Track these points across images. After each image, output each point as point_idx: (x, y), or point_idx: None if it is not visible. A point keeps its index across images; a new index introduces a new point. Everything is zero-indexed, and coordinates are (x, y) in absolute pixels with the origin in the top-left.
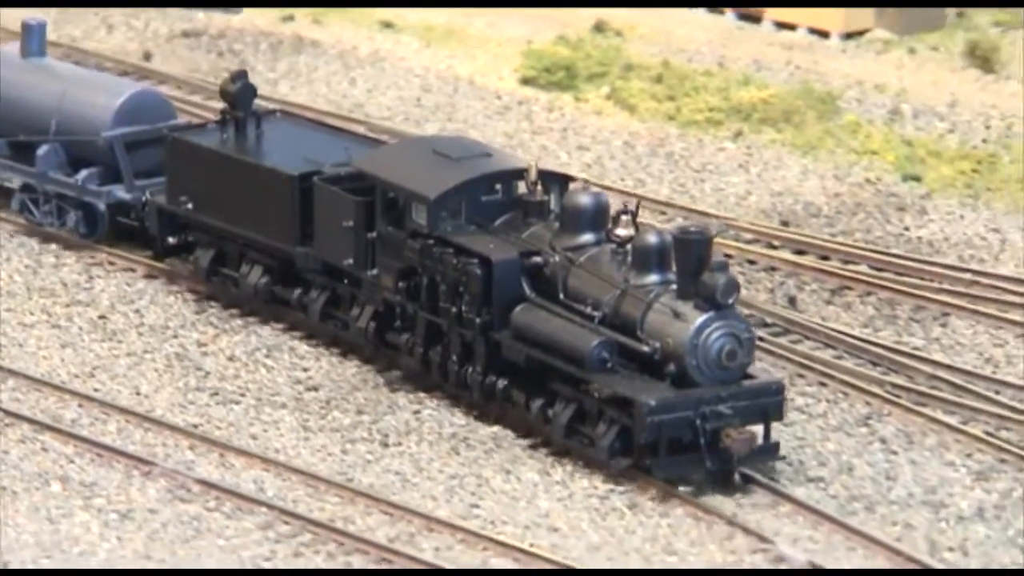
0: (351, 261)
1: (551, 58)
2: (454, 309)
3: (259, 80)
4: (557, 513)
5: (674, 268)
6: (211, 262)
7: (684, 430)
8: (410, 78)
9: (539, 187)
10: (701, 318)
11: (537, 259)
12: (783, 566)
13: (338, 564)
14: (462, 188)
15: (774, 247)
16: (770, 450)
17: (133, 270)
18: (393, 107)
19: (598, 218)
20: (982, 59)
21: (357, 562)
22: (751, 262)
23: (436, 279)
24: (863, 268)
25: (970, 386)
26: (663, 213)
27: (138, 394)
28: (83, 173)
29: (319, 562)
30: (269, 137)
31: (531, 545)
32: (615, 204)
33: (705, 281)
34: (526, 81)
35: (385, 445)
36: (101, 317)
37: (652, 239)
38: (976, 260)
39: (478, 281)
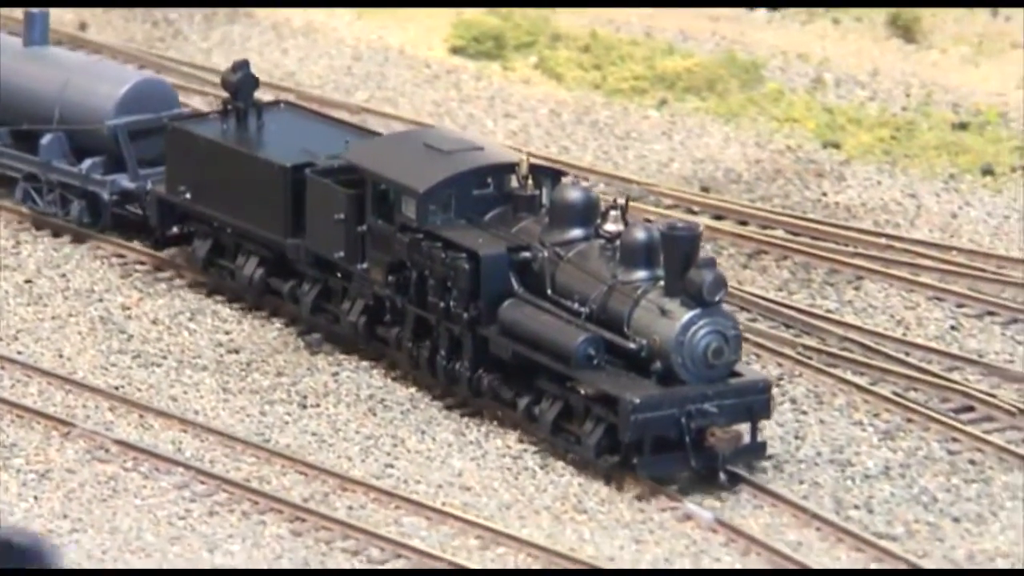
0: (342, 254)
1: (480, 28)
2: (442, 304)
3: (193, 50)
4: (470, 472)
5: (662, 264)
6: (208, 253)
7: (669, 428)
8: (342, 48)
9: (530, 181)
10: (687, 315)
11: (526, 254)
12: (692, 523)
13: (252, 523)
14: (452, 181)
15: (694, 212)
16: (757, 449)
17: (60, 235)
18: (324, 76)
19: (587, 213)
20: (904, 29)
21: (271, 520)
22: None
23: (425, 273)
24: (780, 233)
25: (880, 348)
26: (586, 180)
27: (61, 356)
28: (87, 162)
29: (234, 521)
30: (269, 128)
31: (443, 504)
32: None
33: (692, 278)
34: (455, 51)
35: (303, 407)
36: (27, 281)
37: (640, 235)
38: (892, 225)
39: (466, 276)
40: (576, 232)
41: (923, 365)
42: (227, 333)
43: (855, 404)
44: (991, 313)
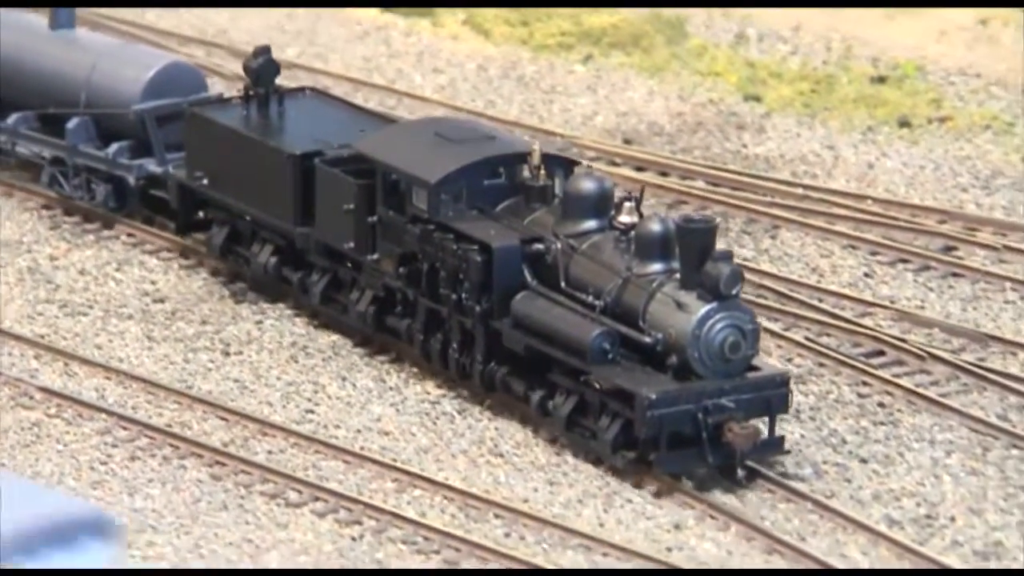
0: (352, 245)
1: None
2: (454, 296)
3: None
4: (389, 418)
5: (677, 257)
6: (226, 240)
7: (685, 424)
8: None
9: (542, 171)
10: (704, 309)
11: (539, 246)
12: (605, 466)
13: (172, 467)
14: (463, 172)
15: (616, 164)
16: (774, 444)
17: None
18: (255, 32)
19: (601, 204)
20: None
21: (191, 465)
22: None
23: (436, 265)
24: (700, 184)
25: (794, 294)
26: (510, 132)
27: None
28: (113, 147)
29: (155, 465)
30: (289, 115)
31: (361, 448)
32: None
33: (708, 271)
34: (386, 8)
35: (226, 354)
36: None
37: (655, 227)
38: (809, 176)
39: (478, 268)
40: (590, 223)
41: (836, 311)
42: (153, 283)
43: (768, 349)
44: (904, 260)
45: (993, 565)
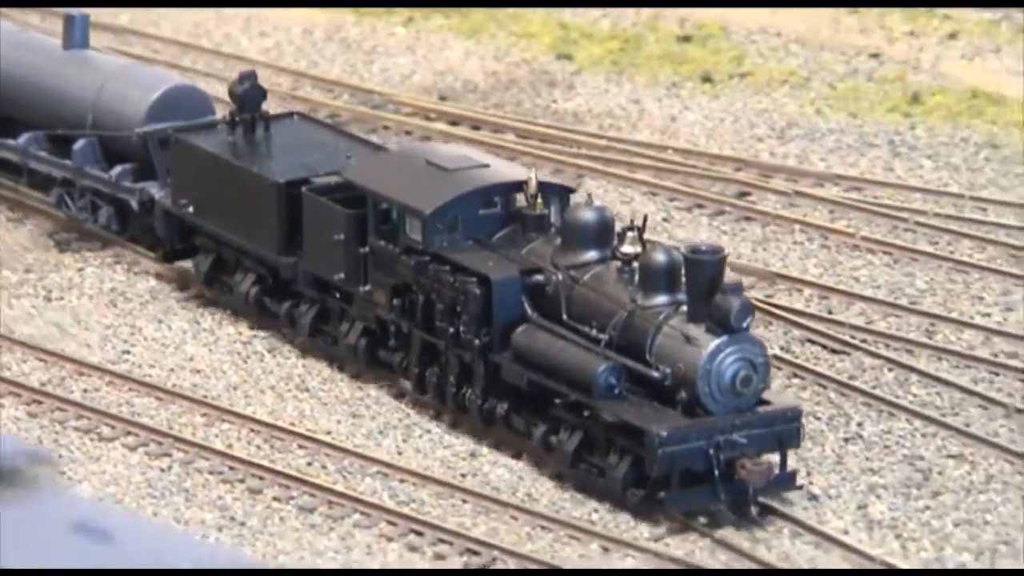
0: (342, 276)
1: None
2: (451, 329)
3: None
4: (202, 357)
5: (683, 288)
6: (211, 267)
7: (697, 461)
8: None
9: (539, 200)
10: (714, 343)
11: (539, 277)
12: (407, 399)
13: None
14: (458, 202)
15: (430, 119)
16: (787, 479)
17: None
18: None
19: (602, 234)
20: None
21: (8, 403)
22: (408, 132)
23: (432, 297)
24: (510, 137)
25: None
26: (330, 91)
27: None
28: (117, 169)
29: None
30: (275, 140)
31: (173, 385)
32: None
33: (718, 304)
34: None
35: (48, 299)
36: None
37: (661, 258)
38: (615, 128)
39: (477, 301)
40: (591, 254)
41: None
42: None
43: None
44: (700, 206)
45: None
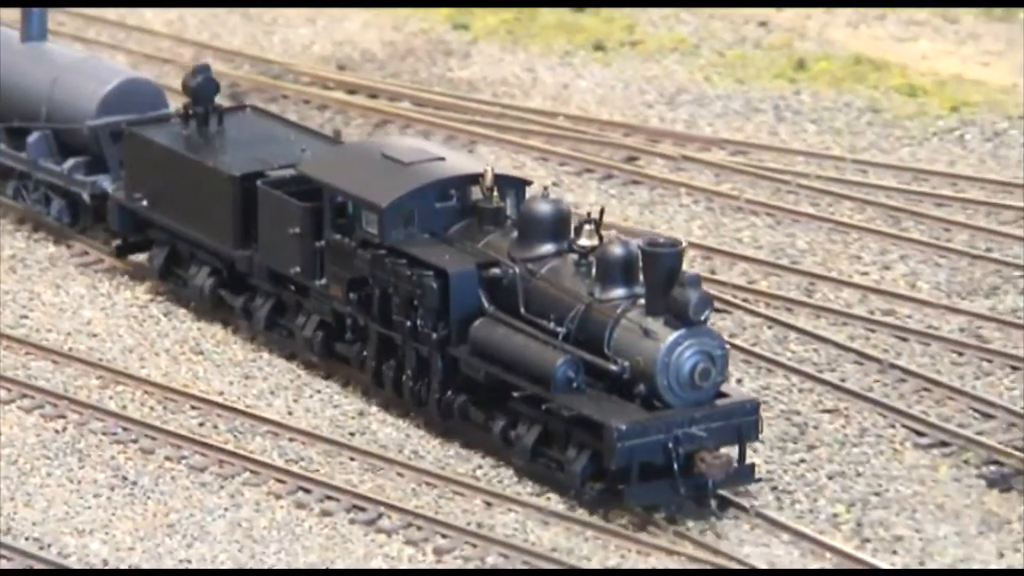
0: (298, 269)
1: None
2: (408, 323)
3: None
4: (99, 321)
5: (641, 281)
6: (165, 261)
7: (656, 454)
8: None
9: (495, 193)
10: (672, 336)
11: (496, 270)
12: (297, 361)
13: None
14: (415, 195)
15: (328, 88)
16: (745, 473)
17: None
18: None
19: (559, 227)
20: None
21: None
22: (306, 101)
23: (389, 291)
24: (406, 105)
25: None
26: (231, 61)
27: None
28: (69, 162)
29: None
30: (228, 134)
31: (70, 349)
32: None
33: (676, 297)
34: None
35: None
36: None
37: (618, 251)
38: (508, 96)
39: (434, 294)
40: (548, 247)
41: None
42: None
43: None
44: (589, 170)
45: None
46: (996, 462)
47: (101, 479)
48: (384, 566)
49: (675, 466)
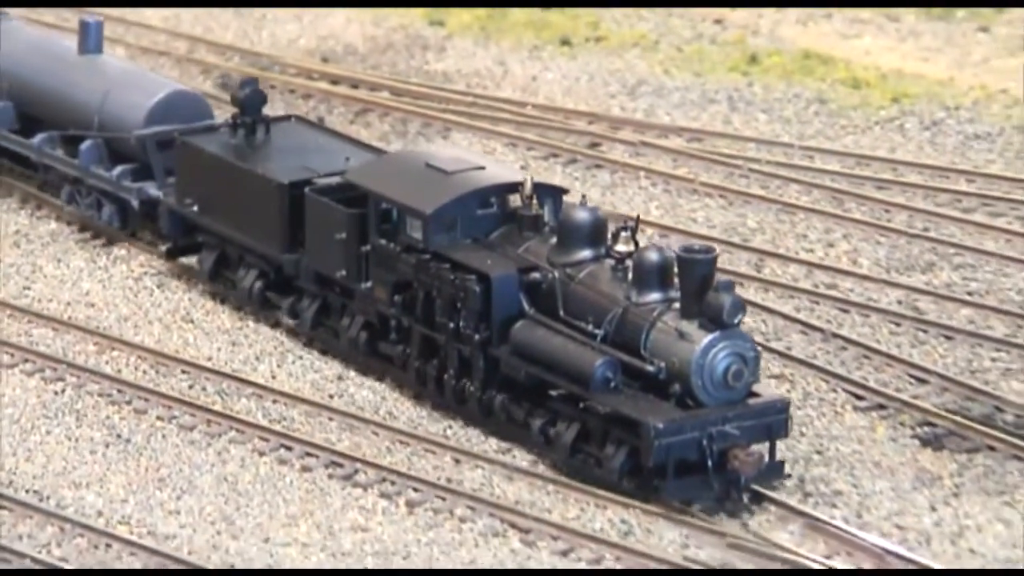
0: (344, 273)
1: None
2: (451, 324)
3: None
4: (96, 292)
5: (675, 285)
6: (214, 263)
7: (691, 451)
8: None
9: (534, 200)
10: (707, 338)
11: (536, 275)
12: (281, 329)
13: None
14: (458, 202)
15: (313, 79)
16: (776, 469)
17: None
18: None
19: (596, 234)
20: None
21: None
22: (292, 91)
23: (432, 294)
24: (385, 94)
25: None
26: (223, 54)
27: None
28: (118, 169)
29: None
30: (275, 143)
31: (69, 317)
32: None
33: (711, 301)
34: None
35: None
36: None
37: (654, 257)
38: (480, 87)
39: (476, 297)
40: (585, 253)
41: None
42: None
43: None
44: (555, 155)
45: None
46: (930, 424)
47: (97, 437)
48: (360, 518)
49: (709, 463)
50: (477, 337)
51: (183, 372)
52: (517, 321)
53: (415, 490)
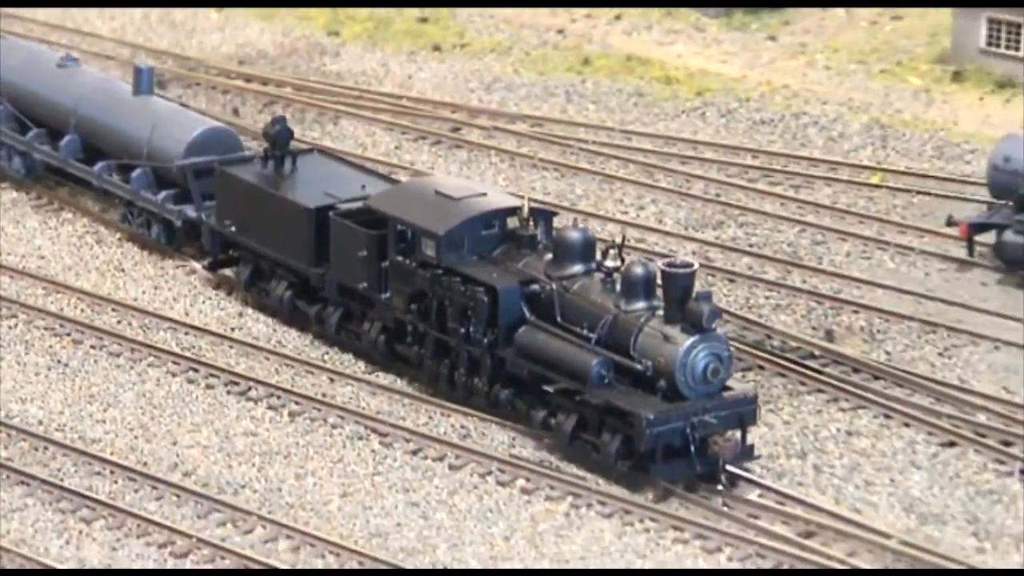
0: (366, 284)
1: None
2: (462, 329)
3: None
4: (46, 247)
5: (658, 295)
6: (250, 275)
7: (677, 438)
8: None
9: (530, 222)
10: (689, 341)
11: (535, 286)
12: (195, 274)
13: None
14: (466, 224)
15: (231, 78)
16: (747, 451)
17: None
18: None
19: (587, 251)
20: None
21: None
22: (213, 87)
23: (445, 303)
24: (288, 90)
25: (348, 159)
26: (159, 58)
27: None
28: (162, 194)
29: None
30: (301, 173)
31: (23, 268)
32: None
33: (692, 308)
34: None
35: None
36: None
37: (640, 271)
38: (367, 83)
39: (484, 306)
40: (578, 267)
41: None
42: None
43: None
44: (423, 138)
45: None
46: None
47: (41, 362)
48: (251, 425)
49: (692, 447)
50: (485, 340)
51: (113, 310)
52: (520, 327)
53: (296, 403)
